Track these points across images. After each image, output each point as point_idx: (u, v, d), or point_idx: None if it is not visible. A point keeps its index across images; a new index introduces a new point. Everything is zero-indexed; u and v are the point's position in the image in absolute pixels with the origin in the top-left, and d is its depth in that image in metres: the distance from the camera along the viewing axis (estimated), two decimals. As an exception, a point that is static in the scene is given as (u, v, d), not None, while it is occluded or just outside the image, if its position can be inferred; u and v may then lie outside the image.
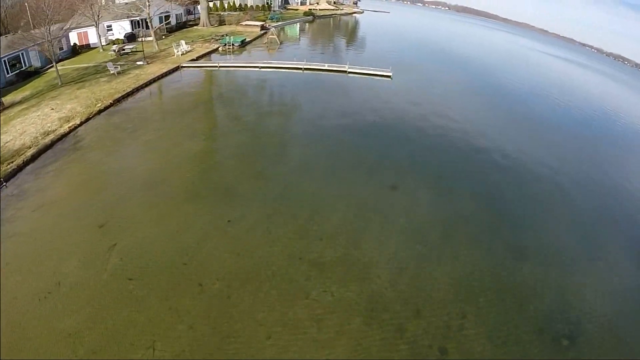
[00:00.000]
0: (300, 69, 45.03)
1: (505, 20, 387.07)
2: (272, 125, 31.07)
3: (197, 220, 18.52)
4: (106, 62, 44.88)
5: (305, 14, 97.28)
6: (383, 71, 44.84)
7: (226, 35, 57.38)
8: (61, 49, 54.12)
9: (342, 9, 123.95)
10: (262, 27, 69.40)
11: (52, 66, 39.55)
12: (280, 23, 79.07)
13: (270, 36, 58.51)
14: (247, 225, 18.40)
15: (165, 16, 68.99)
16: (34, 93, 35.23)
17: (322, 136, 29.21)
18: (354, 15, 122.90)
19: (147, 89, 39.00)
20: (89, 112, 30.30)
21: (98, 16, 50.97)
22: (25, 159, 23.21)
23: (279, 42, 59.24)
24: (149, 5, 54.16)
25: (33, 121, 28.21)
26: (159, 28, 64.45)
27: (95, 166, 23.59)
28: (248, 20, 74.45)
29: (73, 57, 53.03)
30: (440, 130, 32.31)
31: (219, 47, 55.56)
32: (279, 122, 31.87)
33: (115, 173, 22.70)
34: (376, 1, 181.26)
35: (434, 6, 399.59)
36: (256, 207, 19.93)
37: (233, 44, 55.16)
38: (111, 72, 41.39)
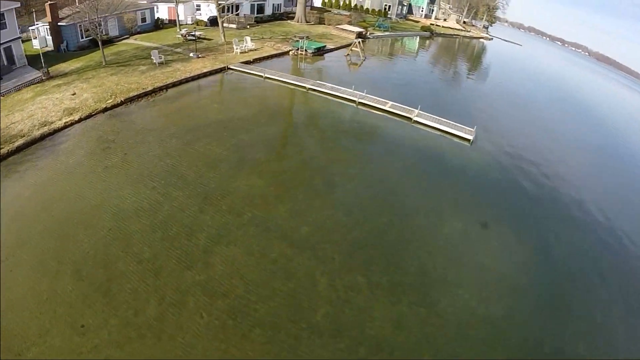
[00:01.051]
0: (354, 101, 31.56)
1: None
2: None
3: None
4: (173, 45, 41.02)
5: (423, 28, 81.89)
6: (462, 130, 28.14)
7: (301, 38, 45.56)
8: (144, 20, 47.25)
9: (469, 31, 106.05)
10: (359, 35, 56.39)
11: (126, 37, 42.70)
12: (386, 34, 65.34)
13: (354, 48, 45.31)
14: None
15: (258, 5, 58.76)
16: (79, 68, 33.51)
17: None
18: (480, 40, 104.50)
19: (169, 91, 30.80)
20: (95, 108, 26.19)
21: None
22: (9, 150, 20.50)
23: (362, 57, 45.81)
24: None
25: (47, 104, 25.99)
26: (242, 17, 54.40)
27: (31, 189, 17.71)
28: (349, 23, 61.84)
29: (153, 31, 48.80)
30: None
31: (290, 51, 43.83)
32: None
33: (36, 208, 16.38)
34: (512, 30, 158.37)
35: (573, 48, 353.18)
36: None
37: (306, 50, 43.11)
38: (154, 61, 34.99)
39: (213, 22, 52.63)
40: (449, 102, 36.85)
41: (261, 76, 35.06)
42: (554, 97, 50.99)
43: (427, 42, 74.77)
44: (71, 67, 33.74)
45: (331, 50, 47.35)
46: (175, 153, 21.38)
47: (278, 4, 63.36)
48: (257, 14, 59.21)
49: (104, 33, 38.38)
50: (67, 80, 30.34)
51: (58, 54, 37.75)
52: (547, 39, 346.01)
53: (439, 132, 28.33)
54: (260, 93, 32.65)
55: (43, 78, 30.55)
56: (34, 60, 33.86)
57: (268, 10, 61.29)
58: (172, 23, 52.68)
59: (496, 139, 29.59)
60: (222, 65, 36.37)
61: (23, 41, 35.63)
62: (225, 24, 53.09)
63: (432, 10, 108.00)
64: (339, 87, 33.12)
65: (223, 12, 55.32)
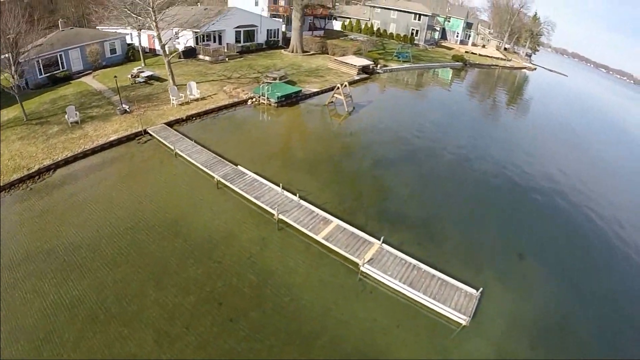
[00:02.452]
0: (272, 215, 16.08)
1: None
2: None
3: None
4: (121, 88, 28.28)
5: (455, 58, 64.99)
6: (451, 312, 12.15)
7: (273, 79, 30.84)
8: (113, 51, 34.92)
9: (510, 60, 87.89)
10: (364, 70, 40.90)
11: (88, 73, 33.67)
12: (405, 66, 49.42)
13: (337, 95, 29.44)
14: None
15: (246, 32, 44.64)
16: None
17: None
18: (523, 70, 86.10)
19: (56, 173, 19.04)
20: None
21: (155, 21, 27.88)
22: None
23: (347, 108, 29.26)
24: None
25: None
26: (221, 48, 40.24)
27: None
28: (357, 53, 46.48)
29: (123, 63, 37.39)
30: None
31: (250, 99, 29.14)
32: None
33: None
34: (555, 56, 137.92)
35: (618, 76, 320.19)
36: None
37: (269, 99, 28.29)
38: (68, 120, 23.10)
39: (189, 53, 39.09)
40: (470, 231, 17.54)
41: (172, 150, 20.68)
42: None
43: (458, 75, 58.10)
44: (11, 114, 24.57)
45: (313, 94, 32.06)
46: None
47: (275, 30, 48.88)
48: (245, 42, 45.06)
49: (64, 69, 32.27)
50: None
51: (10, 94, 25.42)
52: (592, 65, 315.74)
53: (405, 301, 12.68)
54: (151, 184, 18.14)
55: None
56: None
57: (261, 38, 46.92)
58: (153, 52, 39.86)
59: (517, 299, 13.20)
60: (142, 128, 22.66)
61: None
62: (201, 56, 39.65)
63: (469, 36, 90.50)
64: (262, 180, 18.30)
65: (208, 39, 41.82)
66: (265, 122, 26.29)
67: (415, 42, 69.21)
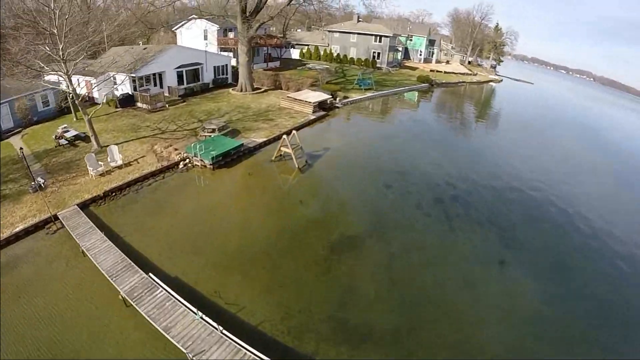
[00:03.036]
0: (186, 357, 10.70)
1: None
2: None
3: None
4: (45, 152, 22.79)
5: (420, 79, 61.82)
6: None
7: (211, 131, 26.05)
8: (46, 103, 29.82)
9: (476, 74, 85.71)
10: (322, 106, 36.55)
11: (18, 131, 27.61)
12: (368, 95, 45.41)
13: (284, 148, 24.09)
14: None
15: (189, 71, 39.99)
16: None
17: None
18: (490, 83, 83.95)
19: None
20: None
21: (67, 74, 22.54)
22: None
23: (296, 164, 23.91)
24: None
25: None
26: (159, 94, 35.25)
27: None
28: (313, 85, 42.22)
29: (57, 117, 31.35)
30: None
31: (182, 161, 24.10)
32: None
33: None
34: (516, 63, 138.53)
35: (578, 75, 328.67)
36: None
37: (202, 160, 23.33)
38: None
39: (126, 102, 34.02)
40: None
41: (79, 248, 15.47)
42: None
43: (425, 97, 54.50)
44: None
45: (259, 146, 27.22)
46: None
47: (223, 66, 44.23)
48: (190, 82, 40.26)
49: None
50: None
51: None
52: (551, 68, 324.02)
53: None
54: (50, 302, 12.74)
55: None
56: None
57: (207, 77, 42.20)
58: (92, 101, 34.47)
59: None
60: (51, 213, 17.35)
61: None
62: (140, 103, 34.58)
63: (433, 53, 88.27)
64: (177, 298, 12.99)
65: (147, 82, 36.79)
66: (196, 194, 21.21)
67: (378, 65, 65.86)
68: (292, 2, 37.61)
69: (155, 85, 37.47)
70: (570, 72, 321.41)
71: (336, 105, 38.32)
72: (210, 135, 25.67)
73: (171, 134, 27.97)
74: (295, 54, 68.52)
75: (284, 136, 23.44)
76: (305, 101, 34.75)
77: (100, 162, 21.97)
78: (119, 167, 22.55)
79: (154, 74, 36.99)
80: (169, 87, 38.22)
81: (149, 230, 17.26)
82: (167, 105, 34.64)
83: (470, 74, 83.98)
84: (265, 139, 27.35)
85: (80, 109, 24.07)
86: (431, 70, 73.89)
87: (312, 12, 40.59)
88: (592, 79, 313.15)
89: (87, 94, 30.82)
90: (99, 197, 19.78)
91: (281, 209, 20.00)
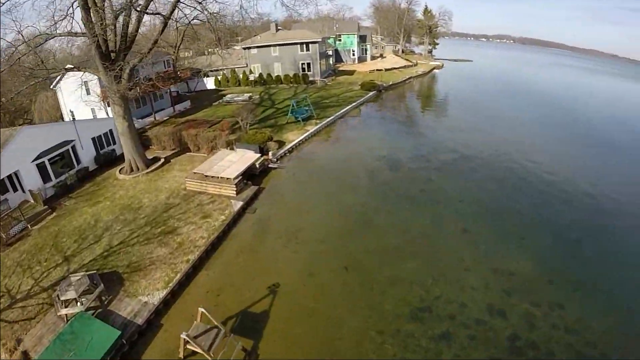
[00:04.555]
0: None
1: (572, 49, 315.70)
2: None
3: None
4: None
5: (365, 86, 50.37)
6: None
7: (64, 313, 12.63)
8: None
9: (416, 64, 76.00)
10: (250, 174, 23.65)
11: None
12: (312, 130, 32.96)
13: (192, 347, 10.81)
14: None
15: (58, 156, 25.13)
16: None
17: None
18: (434, 71, 74.58)
19: None
20: None
21: None
22: None
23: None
24: None
25: None
26: (3, 216, 20.64)
27: None
28: (230, 134, 29.06)
29: None
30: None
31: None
32: None
33: None
34: (443, 40, 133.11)
35: (498, 40, 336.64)
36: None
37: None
38: None
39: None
40: None
41: None
42: None
43: (380, 111, 43.05)
44: None
45: (151, 319, 13.87)
46: None
47: (106, 133, 29.30)
48: (59, 174, 24.74)
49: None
50: None
51: None
52: (471, 38, 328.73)
53: None
54: None
55: None
56: None
57: (86, 156, 27.09)
58: None
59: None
60: None
61: None
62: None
63: (366, 50, 77.54)
64: None
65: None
66: None
67: (311, 79, 53.60)
68: (166, 26, 24.08)
69: (15, 192, 22.68)
70: (491, 39, 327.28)
71: (270, 166, 25.52)
72: (68, 321, 12.18)
73: (21, 308, 14.07)
74: (210, 82, 54.78)
75: (183, 335, 10.47)
76: (223, 177, 21.75)
77: None
78: None
79: (6, 177, 22.15)
80: (29, 191, 23.30)
81: None
82: (28, 227, 20.29)
83: (412, 65, 74.25)
84: (162, 295, 14.12)
85: None
86: (371, 71, 62.91)
87: (210, 30, 27.21)
88: (512, 41, 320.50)
89: None
90: None
91: None
